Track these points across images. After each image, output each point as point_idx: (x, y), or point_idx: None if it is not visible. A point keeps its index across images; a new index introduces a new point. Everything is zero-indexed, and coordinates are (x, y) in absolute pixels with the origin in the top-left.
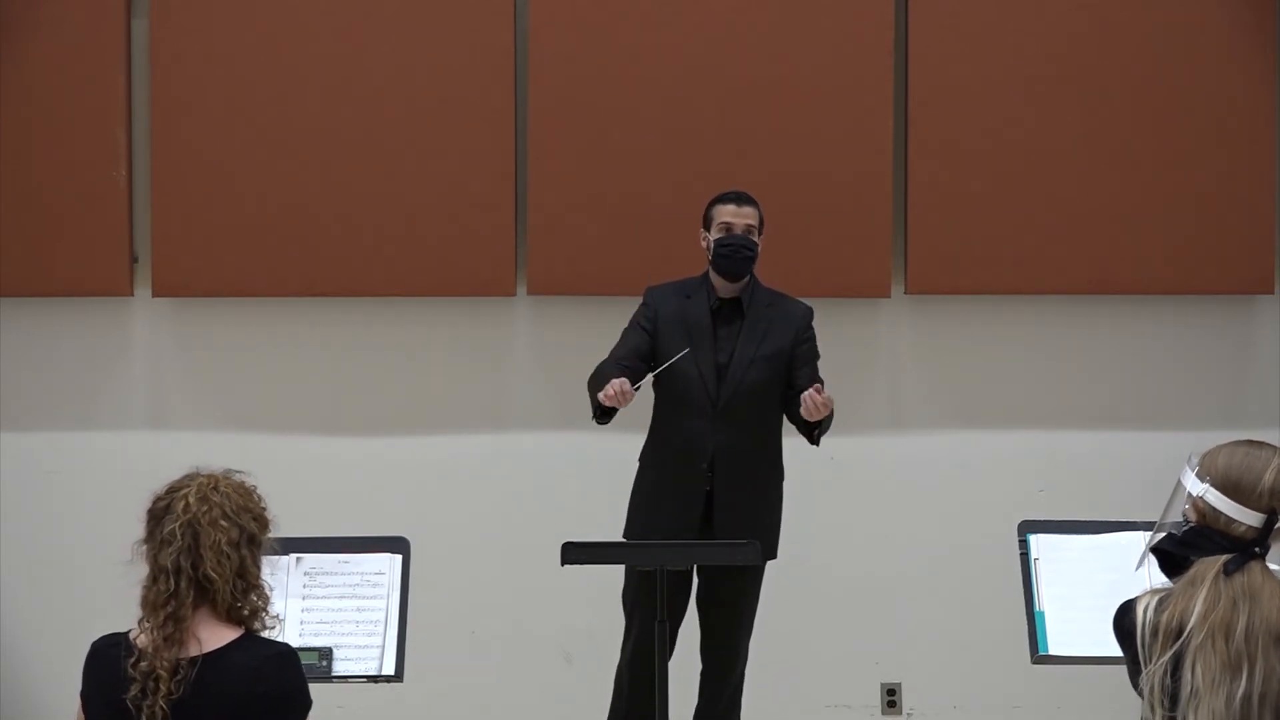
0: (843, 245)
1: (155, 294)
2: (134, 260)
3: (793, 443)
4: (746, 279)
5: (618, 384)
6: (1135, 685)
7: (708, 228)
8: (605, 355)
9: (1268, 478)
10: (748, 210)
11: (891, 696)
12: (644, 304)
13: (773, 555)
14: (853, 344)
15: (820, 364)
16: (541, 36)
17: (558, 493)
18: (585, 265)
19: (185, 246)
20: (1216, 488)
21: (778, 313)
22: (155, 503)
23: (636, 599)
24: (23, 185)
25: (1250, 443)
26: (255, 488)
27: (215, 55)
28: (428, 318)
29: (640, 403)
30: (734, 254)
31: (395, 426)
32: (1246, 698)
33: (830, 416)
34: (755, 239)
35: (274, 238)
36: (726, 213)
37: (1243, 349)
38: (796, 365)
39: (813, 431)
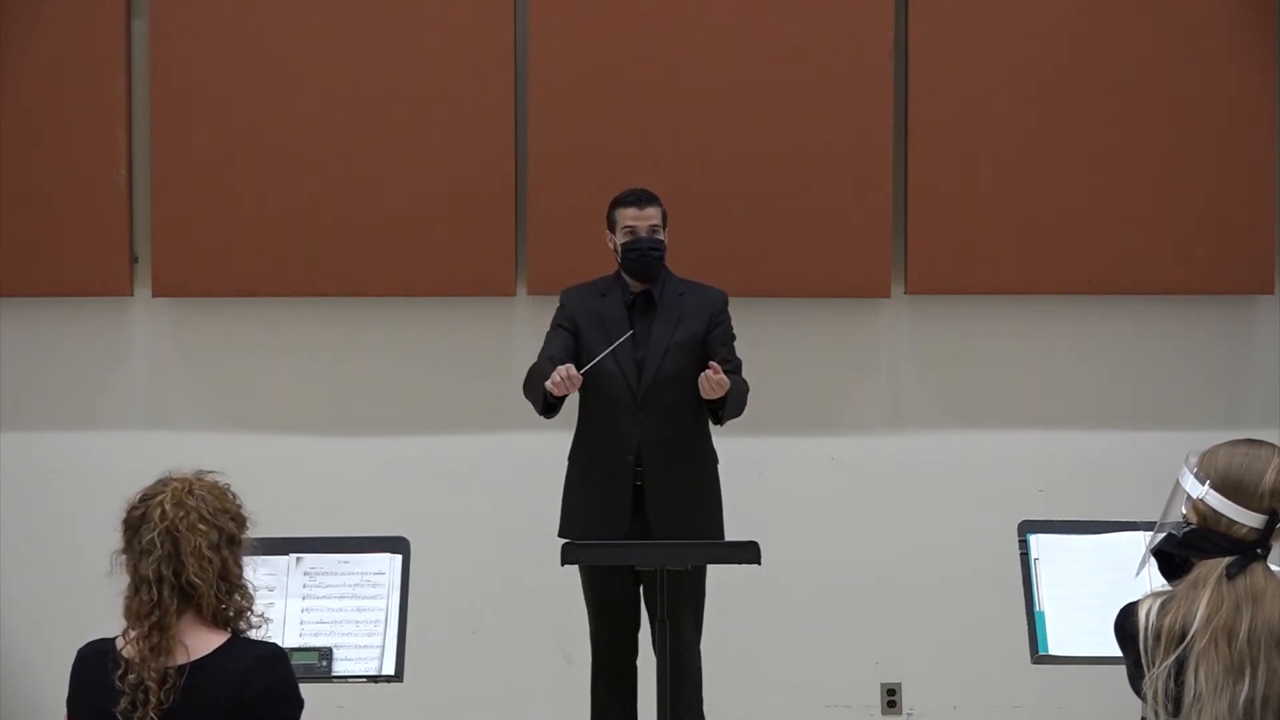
0: (843, 245)
1: (155, 294)
2: (134, 260)
3: (794, 443)
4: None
5: (565, 369)
6: (1136, 689)
7: (612, 230)
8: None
9: (1269, 478)
10: (650, 211)
11: (891, 696)
12: (560, 306)
13: (720, 538)
14: (853, 344)
15: (820, 364)
16: (541, 36)
17: (558, 493)
18: (585, 265)
19: (185, 246)
20: (1216, 489)
21: (691, 300)
22: (130, 511)
23: (589, 603)
24: (23, 185)
25: (1250, 442)
26: (229, 486)
27: (215, 55)
28: (428, 318)
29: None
30: (642, 257)
31: (395, 426)
32: (1250, 701)
33: (738, 401)
34: (661, 237)
35: (274, 238)
36: (629, 216)
37: (1243, 349)
38: (711, 348)
39: (717, 412)
